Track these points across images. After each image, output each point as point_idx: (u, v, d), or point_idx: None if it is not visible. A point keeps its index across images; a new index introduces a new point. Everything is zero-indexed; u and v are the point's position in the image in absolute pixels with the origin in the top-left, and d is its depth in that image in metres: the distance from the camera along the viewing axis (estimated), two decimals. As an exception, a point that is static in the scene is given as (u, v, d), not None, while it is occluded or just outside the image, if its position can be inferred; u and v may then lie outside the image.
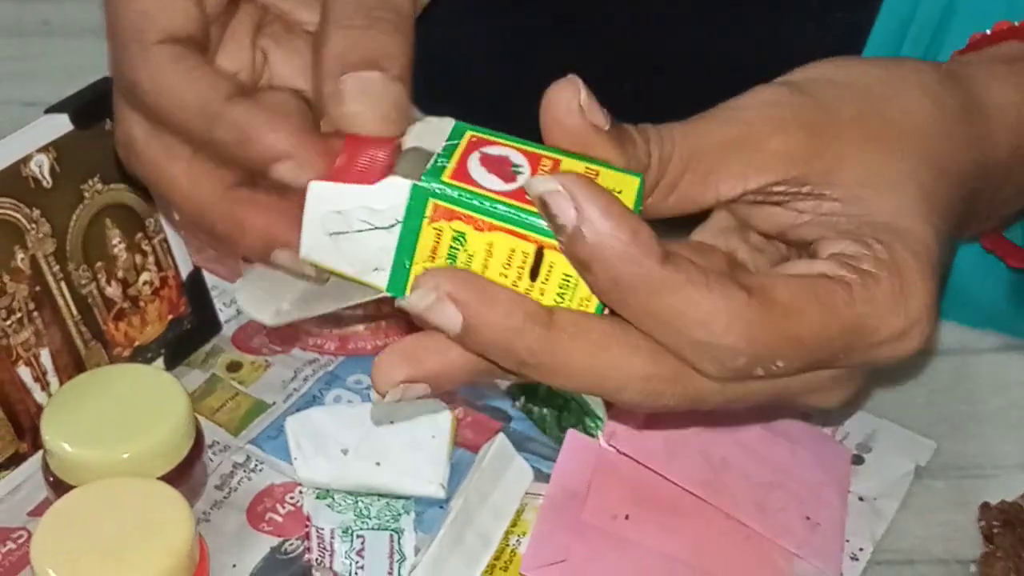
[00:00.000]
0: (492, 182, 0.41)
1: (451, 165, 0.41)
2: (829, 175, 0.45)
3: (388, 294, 0.43)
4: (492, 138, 0.43)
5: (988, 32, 0.56)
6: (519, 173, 0.41)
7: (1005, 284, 0.64)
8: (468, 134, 0.43)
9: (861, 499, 0.58)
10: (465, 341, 0.41)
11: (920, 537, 0.57)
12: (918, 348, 0.44)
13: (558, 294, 0.42)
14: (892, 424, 0.61)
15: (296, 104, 0.50)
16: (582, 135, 0.42)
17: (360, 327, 0.63)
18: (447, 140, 0.42)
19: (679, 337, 0.41)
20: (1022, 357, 0.64)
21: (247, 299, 0.48)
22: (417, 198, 0.41)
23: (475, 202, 0.41)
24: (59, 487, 0.54)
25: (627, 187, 0.42)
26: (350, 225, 0.42)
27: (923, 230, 0.45)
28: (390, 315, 0.63)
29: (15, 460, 0.57)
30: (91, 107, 0.58)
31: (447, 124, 0.44)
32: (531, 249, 0.41)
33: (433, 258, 0.42)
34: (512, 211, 0.41)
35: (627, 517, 0.54)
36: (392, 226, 0.42)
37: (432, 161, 0.42)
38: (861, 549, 0.56)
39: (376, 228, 0.42)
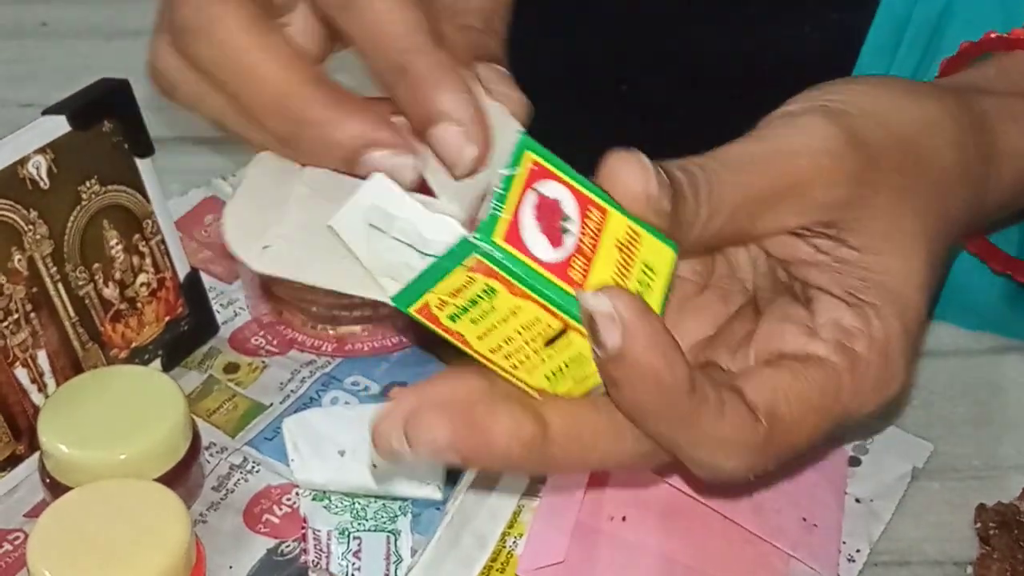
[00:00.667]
0: (540, 247, 0.40)
1: (505, 215, 0.40)
2: (858, 223, 0.46)
3: (390, 302, 0.42)
4: (550, 167, 0.42)
5: (976, 42, 0.56)
6: (567, 232, 0.41)
7: (1001, 286, 0.64)
8: (530, 160, 0.42)
9: (858, 501, 0.58)
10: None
11: (916, 539, 0.57)
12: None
13: (564, 364, 0.42)
14: (889, 426, 0.61)
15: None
16: (642, 213, 0.42)
17: (357, 328, 0.64)
18: (509, 166, 0.41)
19: (682, 453, 0.43)
20: (1019, 359, 0.64)
21: (232, 227, 0.44)
22: (463, 248, 0.40)
23: (518, 271, 0.40)
24: (56, 488, 0.54)
25: (662, 262, 0.43)
26: (390, 229, 0.41)
27: (921, 300, 0.46)
28: (387, 317, 0.63)
29: (12, 461, 0.57)
30: (89, 108, 0.58)
31: (512, 130, 0.43)
32: (556, 325, 0.41)
33: (454, 295, 0.41)
34: (552, 291, 0.40)
35: (624, 518, 0.54)
36: (428, 256, 0.41)
37: (491, 204, 0.40)
38: (858, 551, 0.56)
39: (412, 248, 0.41)
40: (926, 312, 0.46)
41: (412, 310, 0.42)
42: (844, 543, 0.56)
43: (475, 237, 0.40)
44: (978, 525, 0.55)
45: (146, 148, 0.60)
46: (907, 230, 0.46)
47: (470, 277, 0.40)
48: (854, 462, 0.59)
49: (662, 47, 0.71)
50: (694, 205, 0.43)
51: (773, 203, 0.45)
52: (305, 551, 0.55)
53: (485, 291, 0.41)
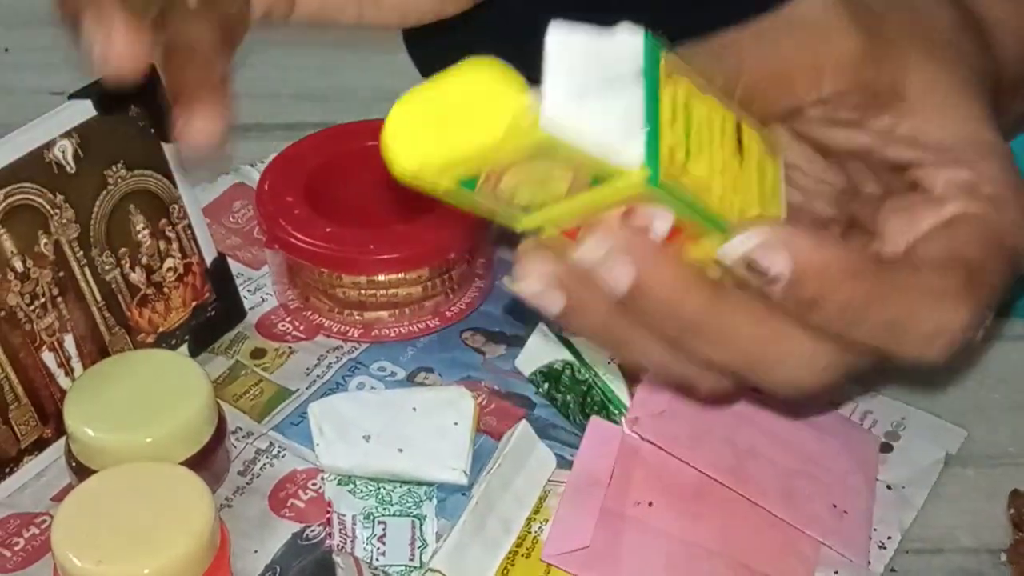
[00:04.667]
0: None
1: None
2: (895, 83, 0.45)
3: (645, 170, 0.37)
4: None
5: None
6: None
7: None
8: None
9: (889, 487, 0.57)
10: (635, 299, 0.40)
11: (949, 526, 0.56)
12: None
13: (758, 173, 0.41)
14: (921, 412, 0.60)
15: None
16: None
17: (384, 314, 0.63)
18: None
19: (906, 335, 0.42)
20: (1054, 345, 0.63)
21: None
22: (651, 46, 0.37)
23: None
24: (82, 472, 0.54)
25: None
26: (598, 77, 0.36)
27: (997, 137, 0.45)
28: (413, 302, 0.63)
29: (39, 445, 0.57)
30: (115, 93, 0.57)
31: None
32: (732, 120, 0.40)
33: (672, 122, 0.38)
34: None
35: (650, 504, 0.54)
36: (636, 77, 0.37)
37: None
38: (889, 538, 0.55)
39: (622, 81, 0.37)
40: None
41: (663, 177, 0.37)
42: (875, 530, 0.55)
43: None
44: (1012, 511, 0.54)
45: (172, 133, 0.59)
46: (949, 85, 0.45)
47: (672, 88, 0.38)
48: (886, 448, 0.59)
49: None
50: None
51: (798, 55, 0.44)
52: (330, 535, 0.55)
53: (686, 105, 0.38)
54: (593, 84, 0.36)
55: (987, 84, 0.47)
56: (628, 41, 0.37)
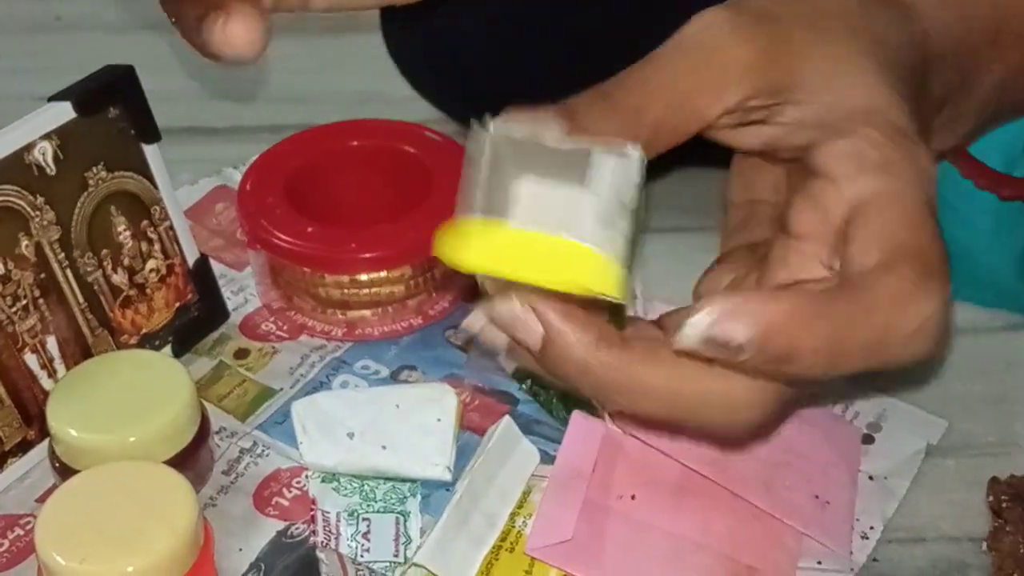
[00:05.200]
0: None
1: None
2: (794, 74, 0.45)
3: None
4: None
5: None
6: None
7: (1016, 263, 0.63)
8: None
9: (871, 478, 0.57)
10: (544, 356, 0.42)
11: (931, 515, 0.56)
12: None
13: None
14: (903, 403, 0.61)
15: None
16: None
17: (367, 312, 0.63)
18: None
19: (889, 347, 0.42)
20: (1034, 336, 0.64)
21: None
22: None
23: None
24: (66, 473, 0.54)
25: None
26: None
27: (891, 97, 0.45)
28: (396, 301, 0.63)
29: (23, 447, 0.57)
30: (94, 95, 0.58)
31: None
32: None
33: None
34: None
35: (633, 497, 0.54)
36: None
37: None
38: (872, 528, 0.55)
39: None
40: (906, 99, 0.45)
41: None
42: (857, 520, 0.56)
43: None
44: (991, 498, 0.54)
45: (152, 134, 0.60)
46: (843, 61, 0.46)
47: None
48: (867, 439, 0.59)
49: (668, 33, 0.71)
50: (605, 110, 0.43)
51: (694, 74, 0.44)
52: (314, 533, 0.55)
53: None
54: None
55: (905, 54, 0.47)
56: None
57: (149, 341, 0.61)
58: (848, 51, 0.46)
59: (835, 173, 0.44)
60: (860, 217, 0.43)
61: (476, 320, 0.44)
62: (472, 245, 0.40)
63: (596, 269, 0.40)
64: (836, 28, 0.46)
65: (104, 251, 0.59)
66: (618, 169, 0.40)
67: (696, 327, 0.40)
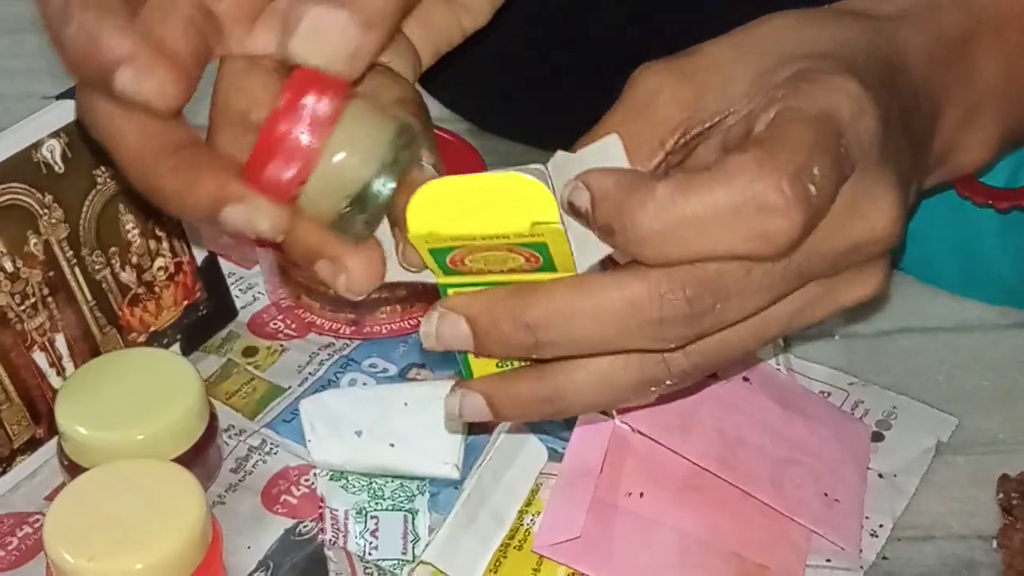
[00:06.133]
0: None
1: None
2: (719, 93, 0.47)
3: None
4: None
5: None
6: None
7: (1025, 261, 0.63)
8: None
9: (881, 476, 0.57)
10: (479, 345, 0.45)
11: (941, 513, 0.56)
12: (878, 124, 0.44)
13: None
14: (912, 400, 0.60)
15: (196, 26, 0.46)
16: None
17: (375, 311, 0.63)
18: None
19: (724, 228, 0.42)
20: (1044, 333, 0.64)
21: None
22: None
23: None
24: (74, 470, 0.55)
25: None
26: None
27: (809, 57, 0.46)
28: (405, 299, 0.63)
29: (31, 445, 0.57)
30: (102, 93, 0.58)
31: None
32: None
33: None
34: None
35: (641, 494, 0.54)
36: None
37: None
38: (881, 526, 0.55)
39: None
40: (842, 63, 0.46)
41: None
42: (867, 518, 0.55)
43: None
44: (1000, 495, 0.54)
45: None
46: (732, 54, 0.48)
47: None
48: (877, 437, 0.59)
49: (677, 36, 0.71)
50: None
51: (628, 135, 0.46)
52: (322, 530, 0.55)
53: None
54: None
55: (858, 48, 0.48)
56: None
57: (157, 339, 0.61)
58: (771, 55, 0.47)
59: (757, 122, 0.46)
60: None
61: (452, 404, 0.48)
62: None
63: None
64: (760, 45, 0.48)
65: (112, 249, 0.59)
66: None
67: (564, 192, 0.43)
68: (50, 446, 0.58)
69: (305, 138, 0.43)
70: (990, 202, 0.60)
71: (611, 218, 0.42)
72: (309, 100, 0.43)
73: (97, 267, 0.59)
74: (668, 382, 0.46)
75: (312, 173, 0.43)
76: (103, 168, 0.58)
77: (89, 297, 0.58)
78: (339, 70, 0.43)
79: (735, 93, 0.47)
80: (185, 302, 0.62)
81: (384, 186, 0.44)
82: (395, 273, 0.46)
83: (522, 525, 0.54)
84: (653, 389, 0.46)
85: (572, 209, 0.43)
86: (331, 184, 0.43)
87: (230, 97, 0.46)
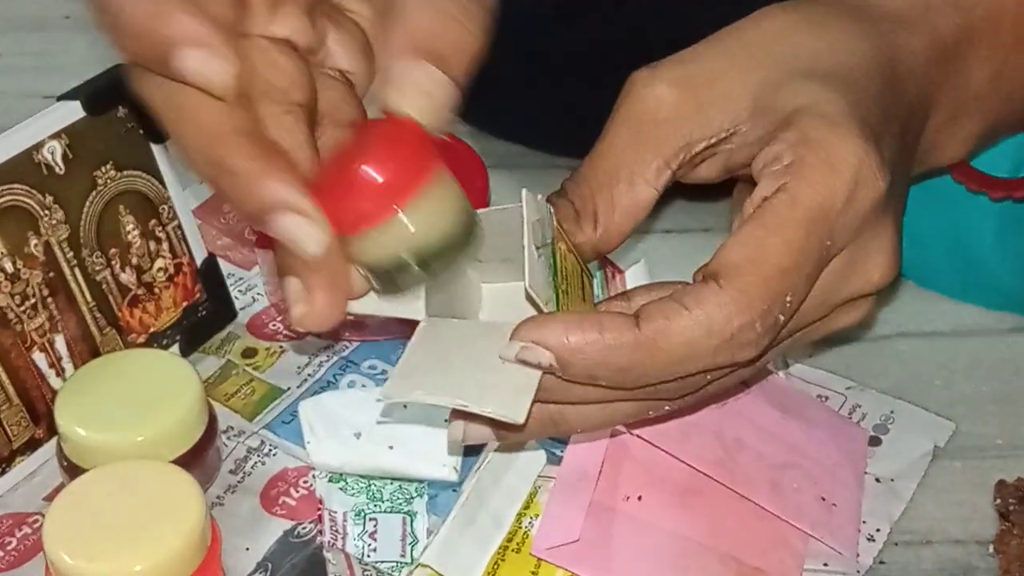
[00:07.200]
0: None
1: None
2: (721, 111, 0.48)
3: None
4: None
5: None
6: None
7: (1022, 266, 0.63)
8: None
9: (878, 480, 0.57)
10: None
11: (938, 518, 0.56)
12: (883, 186, 0.45)
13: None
14: (910, 405, 0.61)
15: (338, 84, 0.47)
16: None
17: (375, 313, 0.63)
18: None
19: (702, 360, 0.44)
20: (1041, 338, 0.64)
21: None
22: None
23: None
24: (74, 471, 0.55)
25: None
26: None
27: (819, 93, 0.46)
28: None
29: (31, 446, 0.58)
30: (103, 94, 0.58)
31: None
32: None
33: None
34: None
35: (640, 498, 0.54)
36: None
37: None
38: (878, 530, 0.55)
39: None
40: (844, 97, 0.46)
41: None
42: (864, 522, 0.56)
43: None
44: (997, 501, 0.54)
45: (161, 134, 0.60)
46: (764, 75, 0.48)
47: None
48: (874, 441, 0.59)
49: (680, 31, 0.70)
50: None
51: (633, 152, 0.48)
52: (321, 532, 0.55)
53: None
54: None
55: (856, 59, 0.48)
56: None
57: (157, 340, 0.61)
58: (771, 69, 0.48)
59: (756, 179, 0.46)
60: (748, 220, 0.45)
61: (456, 431, 0.47)
62: None
63: None
64: (758, 53, 0.48)
65: (112, 250, 0.59)
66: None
67: (511, 350, 0.44)
68: (49, 447, 0.58)
69: (390, 189, 0.43)
70: (983, 190, 0.60)
71: (591, 372, 0.44)
72: (402, 152, 0.43)
73: (97, 268, 0.59)
74: (667, 408, 0.48)
75: (382, 223, 0.43)
76: (104, 169, 0.58)
77: (89, 298, 0.59)
78: (433, 124, 0.44)
79: (737, 112, 0.48)
80: (184, 303, 0.62)
81: (440, 263, 0.44)
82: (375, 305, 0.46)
83: (520, 528, 0.54)
84: (652, 413, 0.48)
85: (527, 363, 0.44)
86: (395, 242, 0.44)
87: (269, 74, 0.45)
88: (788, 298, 0.44)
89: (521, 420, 0.43)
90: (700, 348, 0.44)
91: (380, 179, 0.43)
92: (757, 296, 0.44)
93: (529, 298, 0.45)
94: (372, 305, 0.46)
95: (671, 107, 0.48)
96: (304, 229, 0.43)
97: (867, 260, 0.47)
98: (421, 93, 0.44)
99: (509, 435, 0.48)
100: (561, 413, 0.47)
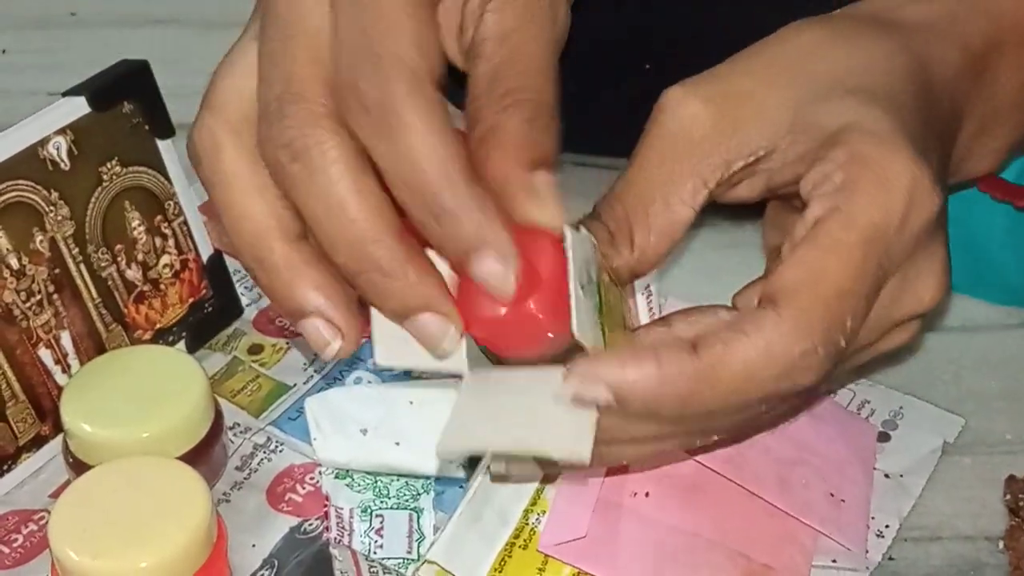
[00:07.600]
0: None
1: None
2: (760, 128, 0.46)
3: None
4: None
5: None
6: None
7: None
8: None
9: (887, 476, 0.57)
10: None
11: (947, 514, 0.56)
12: (938, 203, 0.45)
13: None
14: (919, 400, 0.60)
15: None
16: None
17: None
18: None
19: (763, 387, 0.43)
20: (1051, 334, 0.63)
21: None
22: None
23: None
24: (80, 468, 0.55)
25: None
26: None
27: (862, 110, 0.45)
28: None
29: (36, 442, 0.57)
30: (108, 90, 0.58)
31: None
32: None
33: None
34: None
35: (647, 494, 0.54)
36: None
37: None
38: (887, 526, 0.55)
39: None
40: (886, 112, 0.46)
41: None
42: (873, 518, 0.55)
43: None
44: (1007, 497, 0.54)
45: (167, 129, 0.60)
46: (800, 92, 0.47)
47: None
48: (883, 437, 0.59)
49: (687, 28, 0.70)
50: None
51: (673, 172, 0.46)
52: (328, 529, 0.55)
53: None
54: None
55: (890, 68, 0.47)
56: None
57: (163, 337, 0.61)
58: (807, 85, 0.47)
59: (806, 200, 0.45)
60: (801, 242, 0.44)
61: (498, 466, 0.49)
62: None
63: None
64: (793, 69, 0.47)
65: (118, 246, 0.59)
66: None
67: (568, 390, 0.43)
68: (55, 443, 0.58)
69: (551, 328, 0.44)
70: (1008, 199, 0.60)
71: (650, 406, 0.43)
72: (544, 264, 0.44)
73: (103, 264, 0.59)
74: (715, 438, 0.48)
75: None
76: (109, 165, 0.58)
77: (95, 294, 0.58)
78: (559, 226, 0.44)
79: (776, 129, 0.46)
80: (190, 299, 0.62)
81: None
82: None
83: (527, 524, 0.54)
84: (699, 443, 0.49)
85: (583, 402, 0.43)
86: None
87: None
88: (848, 322, 0.43)
89: (587, 459, 0.42)
90: (761, 375, 0.43)
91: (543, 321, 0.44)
92: (817, 319, 0.43)
93: (576, 343, 0.44)
94: (413, 359, 0.46)
95: (707, 125, 0.46)
96: (441, 329, 0.45)
97: (918, 281, 0.46)
98: (552, 201, 0.44)
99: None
100: (618, 451, 0.46)
